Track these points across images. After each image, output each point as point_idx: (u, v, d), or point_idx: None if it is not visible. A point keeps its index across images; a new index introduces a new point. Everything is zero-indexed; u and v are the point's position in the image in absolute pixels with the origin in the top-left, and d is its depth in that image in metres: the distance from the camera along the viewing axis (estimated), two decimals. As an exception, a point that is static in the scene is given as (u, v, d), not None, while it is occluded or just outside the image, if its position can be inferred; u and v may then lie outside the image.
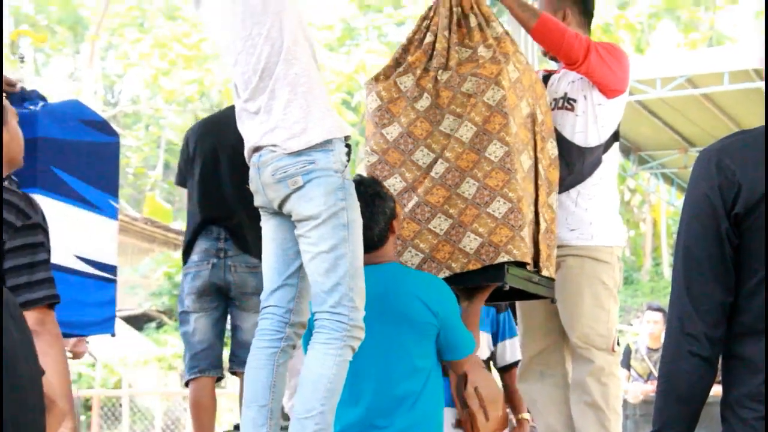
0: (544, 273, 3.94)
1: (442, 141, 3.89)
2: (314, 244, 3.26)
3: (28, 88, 4.53)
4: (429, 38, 4.03)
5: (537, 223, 3.93)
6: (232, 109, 4.87)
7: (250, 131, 3.40)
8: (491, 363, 4.95)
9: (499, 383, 4.75)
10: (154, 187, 25.71)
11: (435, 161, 3.89)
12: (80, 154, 4.52)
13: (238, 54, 3.37)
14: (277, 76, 3.30)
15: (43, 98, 4.52)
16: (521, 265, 3.80)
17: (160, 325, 19.34)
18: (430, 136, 3.92)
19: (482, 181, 3.80)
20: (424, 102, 3.94)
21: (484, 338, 4.80)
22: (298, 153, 3.27)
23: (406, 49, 4.08)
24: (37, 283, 2.90)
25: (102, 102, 25.19)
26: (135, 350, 16.87)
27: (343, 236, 3.25)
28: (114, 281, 4.69)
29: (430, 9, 4.10)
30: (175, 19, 24.76)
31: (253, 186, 3.42)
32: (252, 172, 3.40)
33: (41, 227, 2.95)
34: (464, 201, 3.82)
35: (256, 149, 3.37)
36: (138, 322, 19.04)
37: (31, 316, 2.88)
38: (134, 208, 23.58)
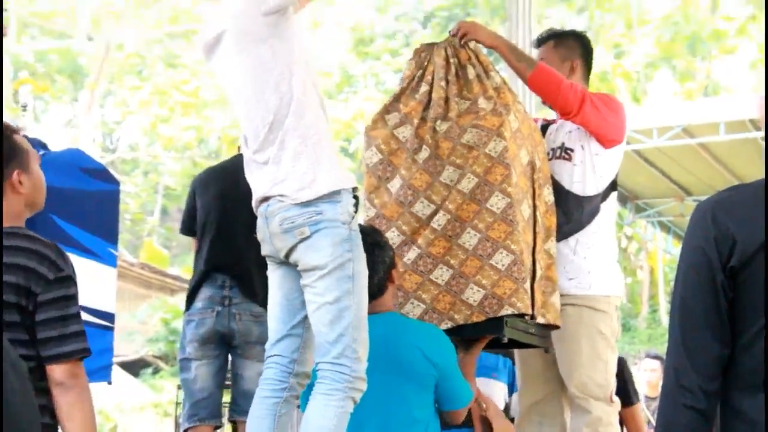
0: (539, 320, 3.93)
1: (442, 192, 3.90)
2: (319, 295, 3.26)
3: (30, 136, 4.56)
4: (424, 88, 4.03)
5: (533, 270, 3.93)
6: (238, 157, 4.89)
7: (258, 181, 3.41)
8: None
9: None
10: (151, 232, 25.68)
11: (435, 212, 3.89)
12: (80, 202, 4.55)
13: (248, 105, 3.38)
14: (286, 128, 3.32)
15: (44, 146, 4.56)
16: (519, 315, 3.80)
17: (156, 371, 19.24)
18: (430, 188, 3.92)
19: (484, 232, 3.80)
20: (424, 154, 3.94)
21: (501, 389, 4.79)
22: (306, 203, 3.27)
23: (397, 98, 4.08)
24: (69, 336, 2.91)
25: (100, 149, 25.24)
26: (131, 396, 16.79)
27: (348, 288, 3.25)
28: (111, 329, 4.71)
29: (423, 58, 4.10)
30: (174, 67, 24.86)
31: (260, 235, 3.43)
32: (259, 222, 3.41)
33: (72, 279, 2.96)
34: (465, 251, 3.82)
35: (264, 199, 3.38)
36: (134, 367, 18.95)
37: (62, 369, 2.90)
38: (132, 254, 23.53)
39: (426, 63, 4.07)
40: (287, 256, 3.35)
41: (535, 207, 3.99)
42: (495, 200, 3.81)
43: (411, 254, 3.89)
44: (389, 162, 4.00)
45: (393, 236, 3.91)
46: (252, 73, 3.35)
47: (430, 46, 4.12)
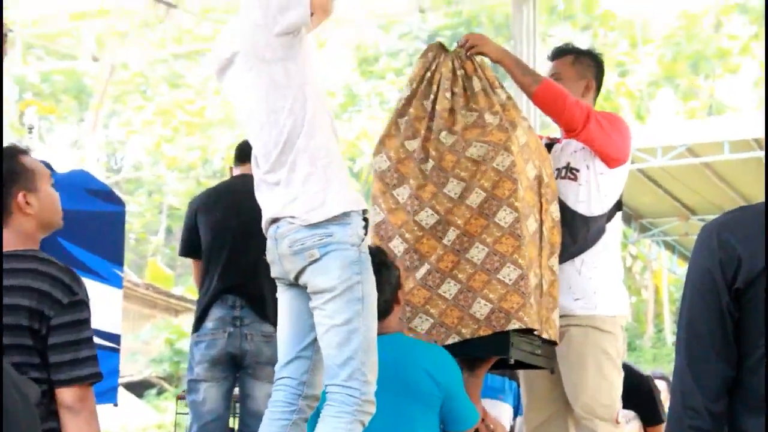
0: (544, 336, 3.92)
1: (446, 203, 3.91)
2: (329, 317, 3.25)
3: (35, 158, 4.56)
4: (430, 97, 4.04)
5: (540, 285, 3.93)
6: (242, 177, 4.89)
7: (268, 202, 3.40)
8: None
9: None
10: (155, 252, 25.69)
11: (439, 223, 3.90)
12: (86, 223, 4.55)
13: (260, 126, 3.37)
14: (298, 149, 3.31)
15: (49, 167, 4.56)
16: (525, 331, 3.80)
17: (160, 392, 19.20)
18: (435, 198, 3.93)
19: (492, 246, 3.80)
20: (428, 165, 3.96)
21: (507, 411, 4.78)
22: (316, 225, 3.26)
23: (409, 101, 4.07)
24: (82, 360, 2.91)
25: (105, 169, 25.28)
26: (135, 417, 16.76)
27: (357, 310, 3.24)
28: (117, 350, 4.71)
29: (431, 59, 4.08)
30: (178, 87, 24.91)
31: (269, 257, 3.41)
32: (269, 244, 3.40)
33: (86, 303, 2.95)
34: (473, 266, 3.83)
35: (274, 221, 3.37)
36: (138, 388, 18.91)
37: (72, 393, 2.89)
38: (136, 274, 23.54)
39: (434, 66, 4.07)
40: (297, 278, 3.34)
41: (542, 222, 3.99)
42: (503, 214, 3.81)
43: (421, 270, 3.89)
44: (396, 169, 4.01)
45: (397, 243, 3.92)
46: (265, 94, 3.34)
47: (440, 49, 4.11)
